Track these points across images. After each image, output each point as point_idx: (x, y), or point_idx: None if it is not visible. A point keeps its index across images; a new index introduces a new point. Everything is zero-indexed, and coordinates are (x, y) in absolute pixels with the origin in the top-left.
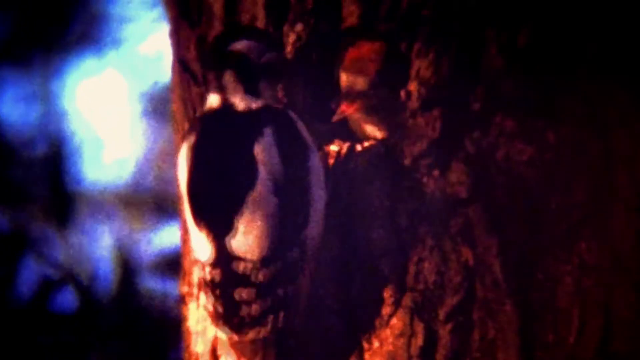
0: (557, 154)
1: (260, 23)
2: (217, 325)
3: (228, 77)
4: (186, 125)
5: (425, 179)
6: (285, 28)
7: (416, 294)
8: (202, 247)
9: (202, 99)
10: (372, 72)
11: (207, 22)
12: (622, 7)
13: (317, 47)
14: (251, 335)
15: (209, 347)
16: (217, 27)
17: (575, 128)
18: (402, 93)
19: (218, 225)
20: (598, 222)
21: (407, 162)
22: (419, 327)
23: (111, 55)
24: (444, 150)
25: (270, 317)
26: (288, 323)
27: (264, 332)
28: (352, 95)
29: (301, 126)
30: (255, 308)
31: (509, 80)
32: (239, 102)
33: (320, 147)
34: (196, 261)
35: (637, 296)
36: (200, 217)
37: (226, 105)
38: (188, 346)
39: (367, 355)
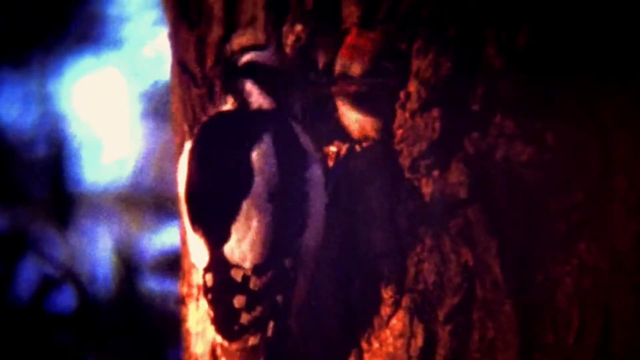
0: (556, 155)
1: (260, 24)
2: (214, 330)
3: (244, 86)
4: (186, 126)
5: (424, 180)
6: (285, 29)
7: (416, 294)
8: (198, 252)
9: (202, 100)
10: (366, 61)
11: (206, 23)
12: (621, 7)
13: (317, 47)
14: (240, 342)
15: (208, 348)
16: (216, 28)
17: (574, 129)
18: (402, 94)
19: (214, 231)
20: (597, 223)
21: (406, 162)
22: (419, 328)
23: (111, 56)
24: (444, 151)
25: (260, 326)
26: (277, 332)
27: (252, 340)
28: (344, 80)
29: (302, 134)
30: (245, 316)
31: (508, 80)
32: (253, 105)
33: (319, 148)
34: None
35: (636, 297)
36: (197, 222)
37: (232, 111)
38: (188, 347)
39: (366, 356)
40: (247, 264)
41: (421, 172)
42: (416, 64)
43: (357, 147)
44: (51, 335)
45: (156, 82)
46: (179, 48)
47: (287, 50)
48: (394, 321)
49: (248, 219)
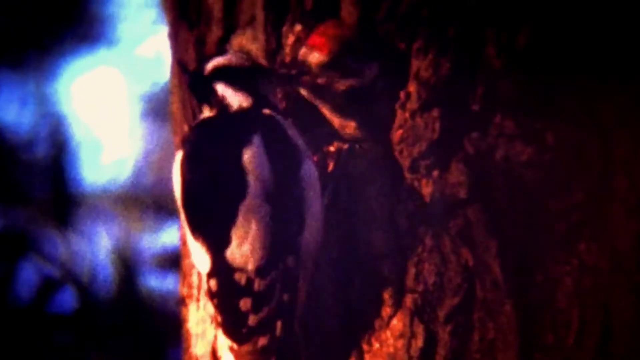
0: (556, 155)
1: (260, 24)
2: (223, 333)
3: (216, 91)
4: (186, 126)
5: (424, 180)
6: (285, 29)
7: (416, 295)
8: (200, 258)
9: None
10: (325, 52)
11: (206, 24)
12: (621, 7)
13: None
14: (250, 345)
15: (209, 348)
16: (216, 29)
17: (574, 129)
18: (402, 94)
19: (214, 237)
20: (597, 223)
21: (406, 163)
22: (419, 329)
23: (110, 56)
24: (443, 151)
25: (268, 326)
26: (286, 331)
27: (262, 341)
28: (303, 68)
29: (292, 131)
30: (252, 318)
31: (508, 80)
32: (233, 106)
33: (319, 149)
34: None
35: (636, 297)
36: (197, 230)
37: (216, 116)
38: (188, 348)
39: (367, 357)
40: (250, 267)
41: (421, 172)
42: (416, 64)
43: (357, 147)
44: (51, 335)
45: (155, 83)
46: (178, 48)
47: (287, 50)
48: (394, 322)
49: (246, 221)
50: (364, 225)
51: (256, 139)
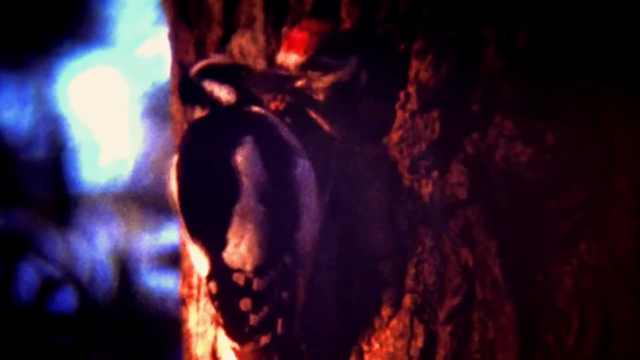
0: (556, 155)
1: (259, 25)
2: (225, 334)
3: (203, 88)
4: (185, 127)
5: (424, 181)
6: (285, 29)
7: (416, 295)
8: (199, 261)
9: None
10: (300, 52)
11: (206, 24)
12: (621, 7)
13: None
14: (253, 344)
15: (209, 349)
16: (216, 29)
17: (574, 129)
18: (402, 94)
19: (211, 240)
20: (597, 223)
21: (406, 163)
22: (419, 329)
23: (110, 57)
24: (443, 152)
25: (270, 326)
26: (287, 329)
27: (264, 340)
28: (283, 71)
29: (284, 130)
30: (253, 318)
31: (508, 81)
32: (221, 100)
33: (319, 149)
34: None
35: (636, 297)
36: (194, 233)
37: (208, 116)
38: (188, 348)
39: (367, 357)
40: (248, 267)
41: (421, 173)
42: (416, 64)
43: (357, 148)
44: (51, 335)
45: (155, 83)
46: (178, 49)
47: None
48: (394, 322)
49: (242, 222)
50: (364, 225)
51: (249, 139)
